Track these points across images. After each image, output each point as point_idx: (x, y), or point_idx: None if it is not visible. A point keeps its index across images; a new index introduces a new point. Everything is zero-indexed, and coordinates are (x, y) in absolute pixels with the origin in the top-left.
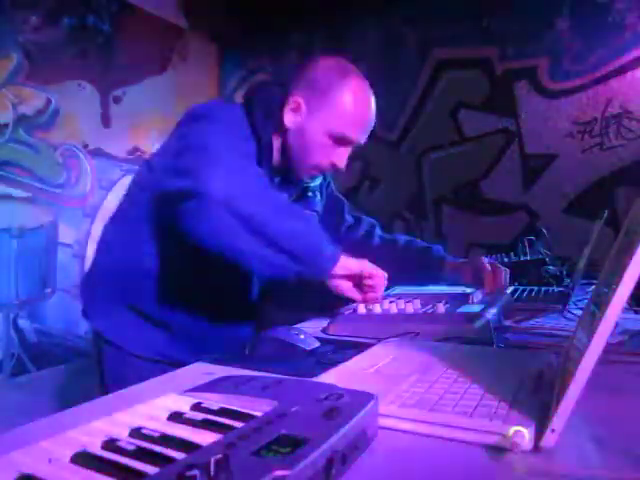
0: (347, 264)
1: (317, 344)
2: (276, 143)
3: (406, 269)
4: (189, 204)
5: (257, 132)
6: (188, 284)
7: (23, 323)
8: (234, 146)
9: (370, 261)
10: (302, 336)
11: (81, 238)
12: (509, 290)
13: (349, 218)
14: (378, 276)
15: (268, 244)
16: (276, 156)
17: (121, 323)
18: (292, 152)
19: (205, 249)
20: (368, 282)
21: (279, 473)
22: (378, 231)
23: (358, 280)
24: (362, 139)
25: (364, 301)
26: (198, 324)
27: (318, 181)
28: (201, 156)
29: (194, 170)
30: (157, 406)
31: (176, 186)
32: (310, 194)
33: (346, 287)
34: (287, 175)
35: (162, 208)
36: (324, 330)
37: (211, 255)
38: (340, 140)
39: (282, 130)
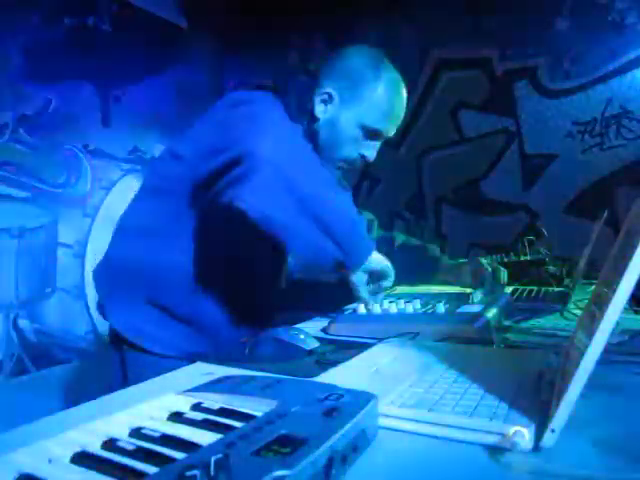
0: (377, 258)
1: (317, 344)
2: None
3: (400, 267)
4: (238, 171)
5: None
6: (215, 279)
7: (23, 323)
8: (281, 120)
9: None
10: (302, 336)
11: (81, 238)
12: (509, 290)
13: None
14: (391, 278)
15: (314, 221)
16: None
17: (141, 321)
18: (322, 144)
19: (248, 224)
20: (383, 283)
21: (279, 473)
22: (376, 227)
23: (372, 278)
24: (393, 132)
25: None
26: (221, 320)
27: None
28: (250, 126)
29: (243, 138)
30: (157, 406)
31: (224, 158)
32: None
33: (362, 282)
34: None
35: (198, 193)
36: (324, 330)
37: (251, 233)
38: (372, 133)
39: (312, 120)
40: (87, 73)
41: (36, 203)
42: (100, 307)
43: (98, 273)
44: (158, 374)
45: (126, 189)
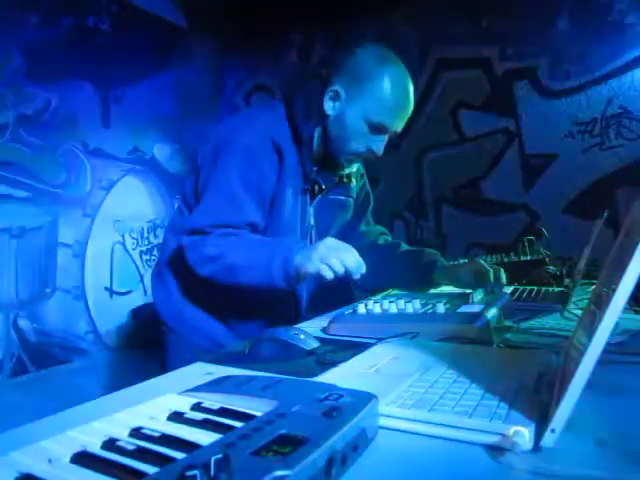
0: (303, 270)
1: (317, 344)
2: (317, 131)
3: (398, 274)
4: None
5: (298, 127)
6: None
7: (23, 323)
8: (226, 198)
9: (371, 266)
10: (302, 336)
11: (81, 238)
12: (509, 290)
13: (370, 219)
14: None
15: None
16: (317, 144)
17: (183, 313)
18: (331, 139)
19: None
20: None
21: (279, 473)
22: (382, 240)
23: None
24: (399, 127)
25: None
26: (252, 323)
27: (354, 168)
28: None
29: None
30: (157, 406)
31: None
32: (346, 180)
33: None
34: (326, 162)
35: None
36: (324, 330)
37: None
38: (378, 128)
39: (323, 118)
40: (87, 73)
41: (36, 203)
42: (153, 294)
43: (155, 264)
44: (192, 357)
45: (126, 189)
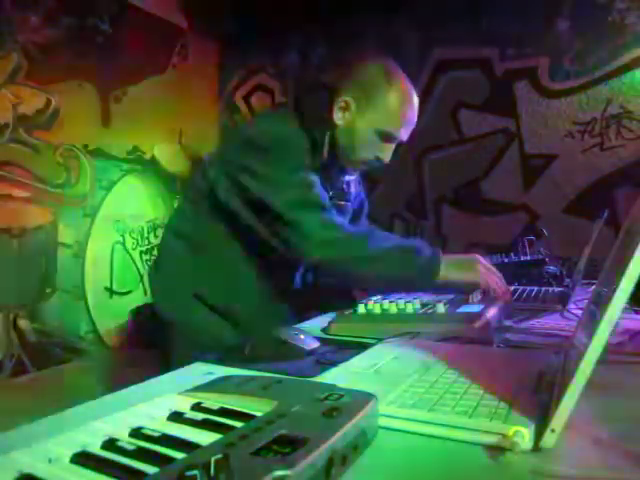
0: (457, 276)
1: (317, 344)
2: (325, 139)
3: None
4: (293, 240)
5: (309, 134)
6: (255, 283)
7: (23, 323)
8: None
9: None
10: (302, 336)
11: (81, 238)
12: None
13: (364, 221)
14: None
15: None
16: (324, 151)
17: (189, 313)
18: (340, 148)
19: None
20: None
21: (279, 473)
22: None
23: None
24: (406, 137)
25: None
26: (263, 321)
27: (354, 176)
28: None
29: (293, 218)
30: (157, 406)
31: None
32: (345, 186)
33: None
34: (329, 169)
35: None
36: (324, 330)
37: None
38: (386, 137)
39: (331, 127)
40: (87, 73)
41: (36, 203)
42: (153, 297)
43: (153, 266)
44: (195, 356)
45: (126, 189)
